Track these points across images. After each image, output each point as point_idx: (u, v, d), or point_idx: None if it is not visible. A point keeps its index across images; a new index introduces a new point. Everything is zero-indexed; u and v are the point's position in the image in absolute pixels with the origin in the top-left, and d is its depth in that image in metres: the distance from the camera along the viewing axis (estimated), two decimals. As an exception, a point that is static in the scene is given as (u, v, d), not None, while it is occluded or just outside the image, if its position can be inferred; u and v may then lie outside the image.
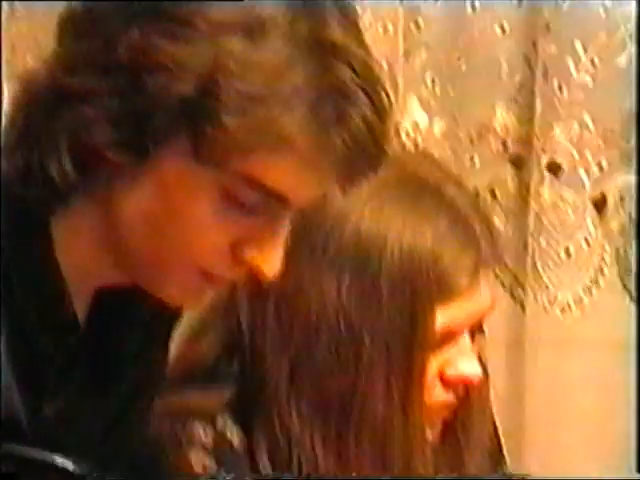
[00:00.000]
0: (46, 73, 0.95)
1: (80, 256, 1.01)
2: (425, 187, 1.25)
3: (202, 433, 1.26)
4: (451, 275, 1.22)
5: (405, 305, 1.22)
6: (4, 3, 1.83)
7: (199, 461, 1.26)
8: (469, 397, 1.32)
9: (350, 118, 0.93)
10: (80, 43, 0.95)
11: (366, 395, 1.22)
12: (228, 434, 1.26)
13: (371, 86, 0.95)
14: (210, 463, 1.25)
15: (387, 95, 0.97)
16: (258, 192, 0.93)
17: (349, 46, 0.94)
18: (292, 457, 1.24)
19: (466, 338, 1.24)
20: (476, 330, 1.26)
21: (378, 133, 0.95)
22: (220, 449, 1.27)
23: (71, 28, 0.97)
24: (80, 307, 1.03)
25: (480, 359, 1.29)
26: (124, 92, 0.91)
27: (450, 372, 1.24)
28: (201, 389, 1.29)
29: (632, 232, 1.74)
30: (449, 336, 1.23)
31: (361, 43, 0.98)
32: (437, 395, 1.24)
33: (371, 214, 1.22)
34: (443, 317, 1.21)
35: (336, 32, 0.95)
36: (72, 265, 1.00)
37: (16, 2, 1.88)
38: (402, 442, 1.25)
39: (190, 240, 0.95)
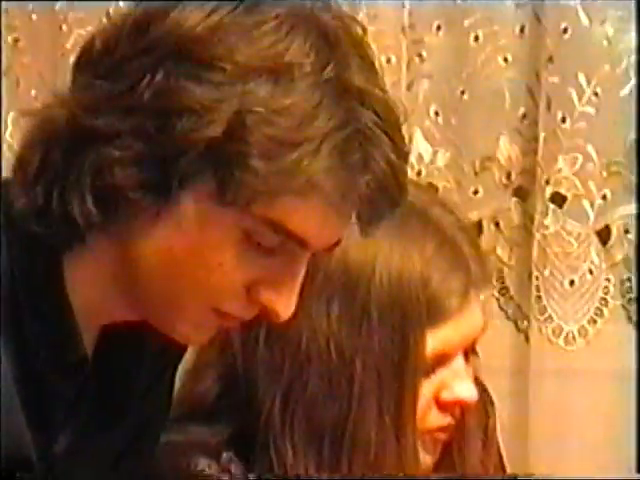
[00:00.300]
0: (65, 112, 0.96)
1: (91, 293, 1.01)
2: (411, 211, 1.23)
3: (207, 468, 1.26)
4: (441, 297, 1.23)
5: (396, 330, 1.22)
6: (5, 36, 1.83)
7: None
8: (466, 421, 1.33)
9: (375, 161, 0.94)
10: (103, 83, 0.95)
11: (358, 422, 1.22)
12: (232, 468, 1.26)
13: (393, 128, 0.96)
14: None
15: (404, 137, 0.99)
16: (280, 235, 0.93)
17: (372, 90, 0.95)
18: None
19: (460, 360, 1.25)
20: (470, 352, 1.27)
21: (400, 174, 0.96)
22: None
23: (91, 68, 0.98)
24: (87, 342, 1.02)
25: (476, 380, 1.29)
26: (149, 134, 0.92)
27: (445, 395, 1.24)
28: (204, 425, 1.30)
29: (636, 262, 1.72)
30: (443, 359, 1.23)
31: (381, 85, 0.98)
32: (433, 419, 1.25)
33: (357, 240, 1.17)
34: (435, 340, 1.22)
35: (359, 76, 0.96)
36: (82, 302, 1.00)
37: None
38: (395, 468, 1.24)
39: (207, 280, 0.95)
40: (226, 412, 1.29)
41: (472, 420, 1.33)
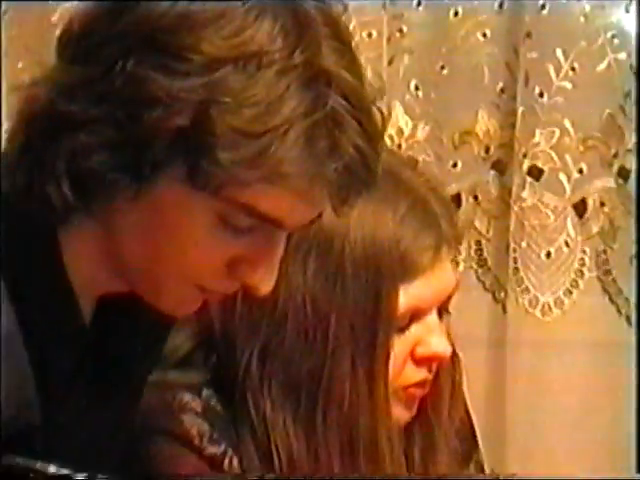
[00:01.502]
0: (45, 96, 0.98)
1: (84, 267, 1.04)
2: (383, 172, 1.19)
3: (191, 401, 1.30)
4: (413, 254, 1.26)
5: (369, 286, 1.26)
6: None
7: (194, 424, 1.30)
8: (439, 378, 1.37)
9: (343, 147, 0.95)
10: (78, 68, 0.98)
11: (332, 375, 1.26)
12: (212, 403, 1.31)
13: (363, 113, 0.97)
14: (202, 427, 1.30)
15: (381, 114, 1.00)
16: (253, 218, 0.96)
17: (342, 74, 0.96)
18: (269, 435, 1.29)
19: (434, 316, 1.29)
20: (443, 310, 1.32)
21: (370, 159, 0.97)
22: (210, 414, 1.31)
23: (70, 52, 1.00)
24: (85, 313, 1.07)
25: (451, 341, 1.34)
26: (121, 122, 0.94)
27: (420, 350, 1.28)
28: (182, 372, 1.34)
29: (612, 235, 1.76)
30: (417, 315, 1.27)
31: (355, 68, 1.00)
32: (410, 374, 1.28)
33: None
34: (408, 296, 1.25)
35: (330, 60, 0.96)
36: (77, 275, 1.04)
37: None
38: (368, 421, 1.29)
39: (186, 259, 0.99)
40: (204, 366, 1.34)
41: (445, 376, 1.37)
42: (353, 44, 1.01)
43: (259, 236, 0.98)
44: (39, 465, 1.01)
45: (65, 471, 1.04)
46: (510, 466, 1.84)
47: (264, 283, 1.02)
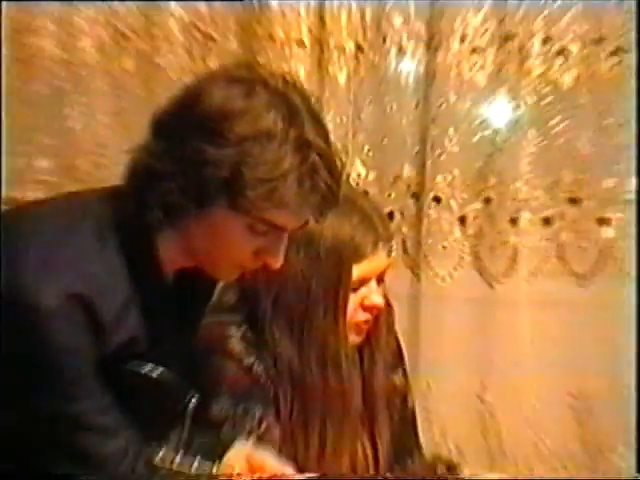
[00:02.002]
0: (144, 159, 1.32)
1: (168, 253, 1.40)
2: (344, 198, 1.54)
3: (235, 332, 1.69)
4: (361, 246, 1.62)
5: (335, 264, 1.62)
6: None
7: (236, 345, 1.68)
8: (379, 319, 1.75)
9: (319, 185, 1.28)
10: (164, 141, 1.30)
11: (313, 316, 1.63)
12: (247, 333, 1.68)
13: (331, 164, 1.31)
14: (241, 347, 1.69)
15: (342, 163, 1.34)
16: (268, 226, 1.30)
17: (319, 142, 1.29)
18: (277, 350, 1.66)
19: (374, 283, 1.67)
20: (380, 279, 1.69)
21: (335, 191, 1.32)
22: (245, 339, 1.67)
23: (158, 130, 1.34)
24: (168, 279, 1.42)
25: (386, 297, 1.71)
26: (188, 174, 1.26)
27: (366, 302, 1.67)
28: (229, 315, 1.71)
29: (481, 236, 2.32)
30: (364, 281, 1.65)
31: (326, 136, 1.32)
32: (360, 316, 1.68)
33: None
34: (358, 270, 1.62)
35: (310, 133, 1.28)
36: (165, 257, 1.40)
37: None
38: (334, 342, 1.66)
39: (230, 250, 1.34)
40: (242, 311, 1.70)
41: (382, 318, 1.77)
42: (325, 121, 1.35)
43: (272, 236, 1.33)
44: (147, 368, 1.43)
45: (160, 369, 1.42)
46: (421, 370, 2.34)
47: (276, 262, 1.36)
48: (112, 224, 1.41)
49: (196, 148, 1.33)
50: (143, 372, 1.48)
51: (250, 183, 1.32)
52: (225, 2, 2.36)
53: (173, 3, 2.35)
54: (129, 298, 1.42)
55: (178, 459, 1.60)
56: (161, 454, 1.58)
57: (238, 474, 1.57)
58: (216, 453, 1.59)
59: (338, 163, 1.37)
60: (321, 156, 1.35)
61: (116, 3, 2.33)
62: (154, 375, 1.48)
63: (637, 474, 2.10)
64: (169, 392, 1.54)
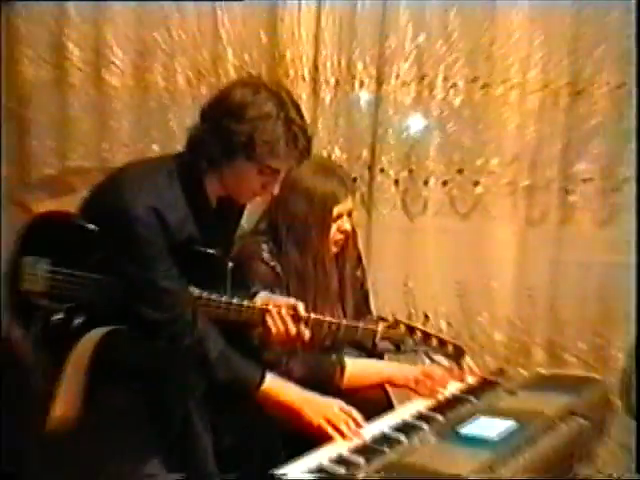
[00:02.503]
0: (195, 132, 2.23)
1: (214, 188, 2.28)
2: (328, 169, 2.51)
3: (265, 246, 2.55)
4: (338, 195, 2.47)
5: (323, 206, 2.47)
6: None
7: (265, 253, 2.52)
8: (348, 238, 2.59)
9: (298, 145, 2.21)
10: (206, 122, 2.23)
11: (310, 236, 2.45)
12: (271, 248, 2.55)
13: (304, 132, 2.21)
14: (268, 255, 2.54)
15: (310, 135, 2.25)
16: (270, 169, 2.21)
17: (297, 120, 2.20)
18: (290, 258, 2.51)
19: (346, 217, 2.52)
20: (349, 215, 2.54)
21: (307, 148, 2.24)
22: (271, 251, 2.55)
23: (202, 115, 2.24)
24: (212, 203, 2.28)
25: (352, 226, 2.59)
26: (221, 140, 2.17)
27: (341, 228, 2.53)
28: (260, 235, 2.60)
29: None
30: (339, 216, 2.49)
31: (302, 117, 2.24)
32: (337, 236, 2.52)
33: (306, 179, 2.50)
34: (336, 209, 2.47)
35: (292, 113, 2.21)
36: (209, 189, 2.27)
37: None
38: (322, 251, 2.50)
39: (248, 184, 2.25)
40: (267, 233, 2.56)
41: (350, 238, 2.62)
42: (302, 109, 2.22)
43: (271, 176, 2.23)
44: (203, 249, 2.25)
45: (211, 250, 2.26)
46: (371, 268, 3.12)
47: (275, 191, 2.26)
48: (177, 170, 2.23)
49: (226, 125, 2.18)
50: (202, 250, 2.28)
51: (258, 143, 2.16)
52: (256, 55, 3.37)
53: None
54: (187, 214, 2.23)
55: (223, 298, 2.33)
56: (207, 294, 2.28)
57: (265, 304, 2.35)
58: (249, 297, 2.35)
59: (309, 134, 2.20)
60: (299, 127, 2.19)
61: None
62: (208, 251, 2.29)
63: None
64: (217, 261, 2.30)
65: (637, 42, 2.86)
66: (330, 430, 2.24)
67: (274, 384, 2.35)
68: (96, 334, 2.30)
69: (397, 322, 2.47)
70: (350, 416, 2.28)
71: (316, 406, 2.31)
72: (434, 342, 2.50)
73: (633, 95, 3.18)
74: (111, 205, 2.21)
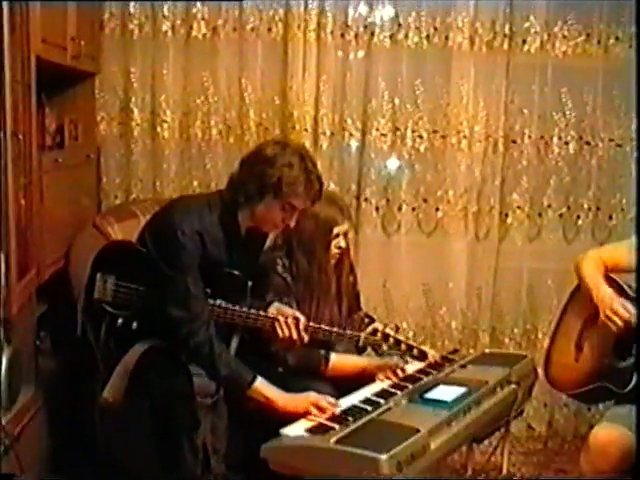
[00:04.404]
0: (235, 176, 2.90)
1: (245, 220, 2.94)
2: (330, 199, 3.09)
3: (279, 260, 3.15)
4: (336, 220, 3.15)
5: (325, 228, 3.15)
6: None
7: (280, 268, 3.15)
8: (343, 253, 3.24)
9: (313, 188, 2.88)
10: (244, 168, 2.92)
11: (315, 251, 3.10)
12: (285, 261, 3.15)
13: (319, 179, 2.91)
14: (282, 268, 3.18)
15: (322, 181, 2.89)
16: (291, 207, 2.92)
17: (313, 170, 2.88)
18: (298, 269, 3.13)
19: (341, 236, 3.18)
20: (345, 235, 3.20)
21: (320, 191, 2.89)
22: (284, 264, 3.17)
23: (242, 164, 2.93)
24: (243, 231, 2.94)
25: (347, 243, 3.26)
26: (255, 181, 2.85)
27: (339, 244, 3.20)
28: (277, 251, 3.20)
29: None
30: (337, 235, 3.17)
31: (316, 167, 2.91)
32: (335, 251, 3.19)
33: (314, 206, 3.03)
34: (335, 230, 3.16)
35: (310, 166, 2.90)
36: (243, 225, 2.93)
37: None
38: (324, 262, 3.15)
39: (272, 219, 2.95)
40: (283, 249, 3.16)
41: (344, 253, 3.26)
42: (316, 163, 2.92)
43: (291, 212, 2.91)
44: (228, 270, 2.90)
45: (235, 271, 2.91)
46: (359, 275, 3.53)
47: (292, 224, 2.92)
48: (218, 204, 2.74)
49: (260, 169, 2.76)
50: (228, 271, 2.83)
51: (284, 184, 2.72)
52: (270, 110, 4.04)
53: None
54: (221, 239, 2.74)
55: (244, 309, 2.81)
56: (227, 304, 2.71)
57: (275, 314, 2.83)
58: (263, 307, 2.85)
59: (321, 180, 2.75)
60: (315, 176, 2.75)
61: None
62: (234, 272, 2.81)
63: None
64: (240, 280, 2.80)
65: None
66: (314, 411, 2.73)
67: (262, 384, 2.94)
68: (140, 348, 2.92)
69: (375, 331, 3.06)
70: (324, 399, 2.80)
71: (294, 400, 2.85)
72: (403, 347, 3.07)
73: (554, 144, 4.24)
74: (166, 224, 2.80)
